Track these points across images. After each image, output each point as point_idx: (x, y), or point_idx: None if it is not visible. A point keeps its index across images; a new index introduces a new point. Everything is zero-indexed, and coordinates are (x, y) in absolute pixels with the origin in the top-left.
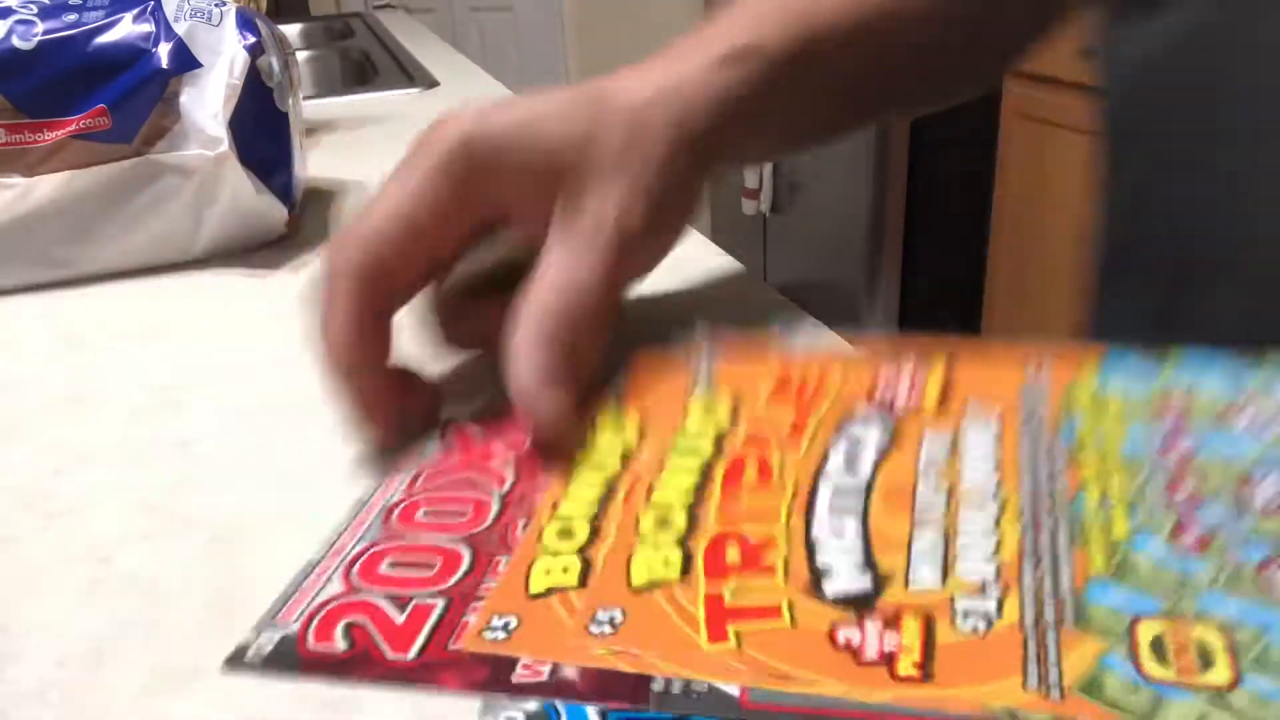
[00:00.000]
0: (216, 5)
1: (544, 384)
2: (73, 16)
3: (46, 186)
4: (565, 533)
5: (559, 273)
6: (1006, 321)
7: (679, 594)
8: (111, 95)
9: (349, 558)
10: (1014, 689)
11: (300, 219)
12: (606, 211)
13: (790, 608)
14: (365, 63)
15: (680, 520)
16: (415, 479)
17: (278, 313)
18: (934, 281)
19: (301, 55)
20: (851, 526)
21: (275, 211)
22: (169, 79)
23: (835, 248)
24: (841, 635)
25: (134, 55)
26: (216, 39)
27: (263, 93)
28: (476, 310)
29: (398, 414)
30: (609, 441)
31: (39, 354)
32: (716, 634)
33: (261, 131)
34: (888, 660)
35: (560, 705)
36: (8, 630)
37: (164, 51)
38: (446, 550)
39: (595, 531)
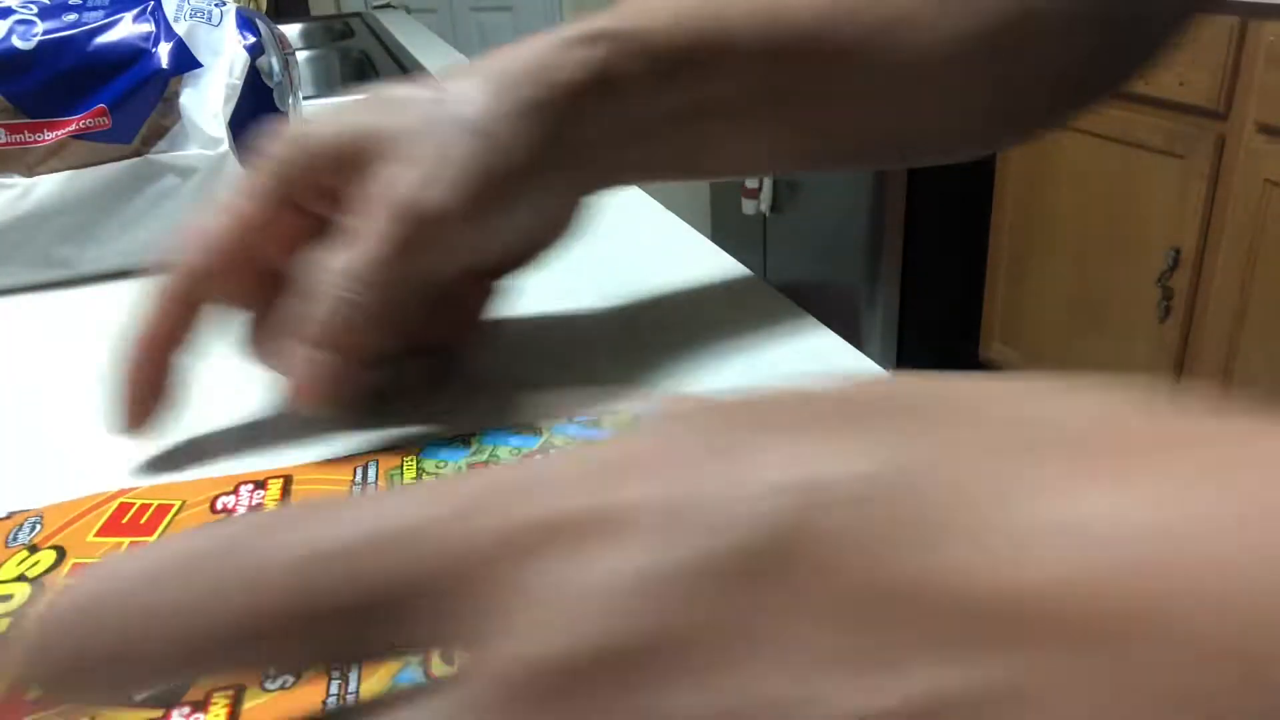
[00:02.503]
0: (216, 5)
1: (307, 341)
2: (73, 16)
3: (46, 186)
4: None
5: (336, 249)
6: (1006, 320)
7: None
8: (111, 95)
9: None
10: None
11: None
12: (393, 190)
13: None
14: (365, 63)
15: None
16: None
17: None
18: (934, 281)
19: (301, 55)
20: None
21: None
22: (169, 79)
23: (835, 248)
24: None
25: (134, 55)
26: (216, 39)
27: (263, 93)
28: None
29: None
30: None
31: (38, 354)
32: None
33: (261, 131)
34: None
35: None
36: None
37: (164, 51)
38: None
39: None
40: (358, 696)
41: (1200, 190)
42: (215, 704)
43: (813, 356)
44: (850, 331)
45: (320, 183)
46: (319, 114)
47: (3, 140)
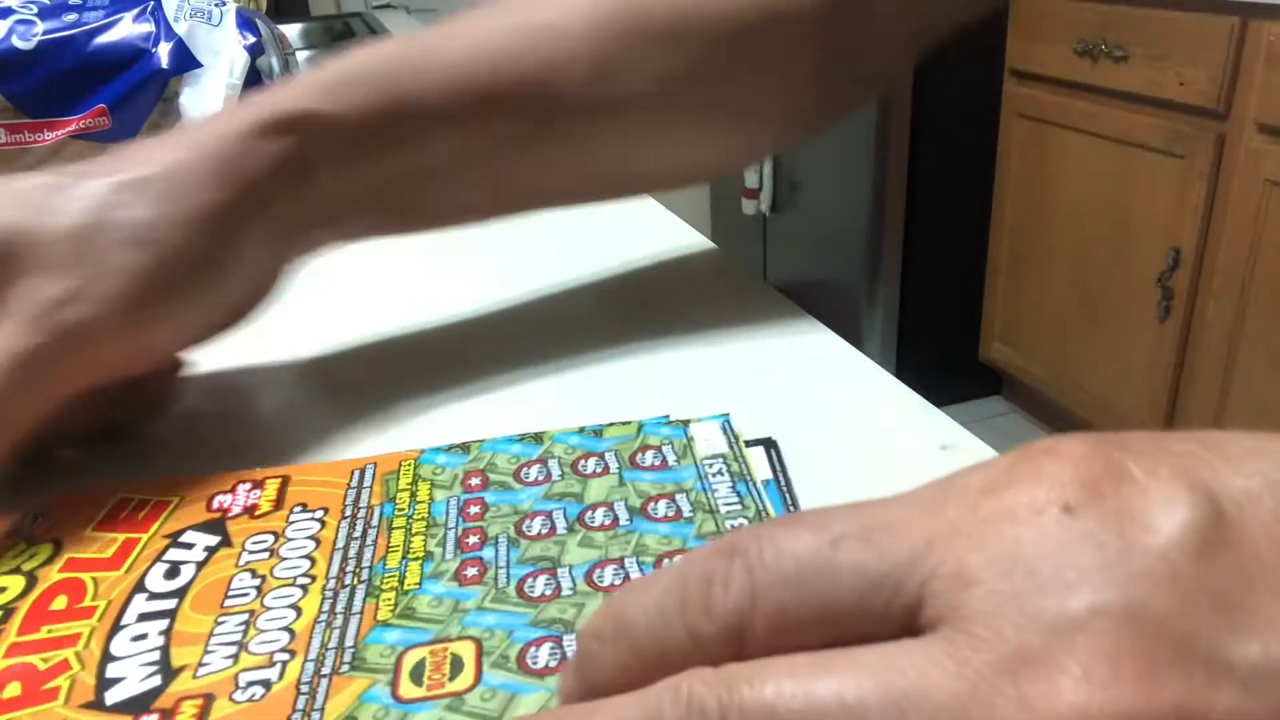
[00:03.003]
0: (216, 5)
1: None
2: (73, 16)
3: None
4: None
5: None
6: (1006, 320)
7: None
8: (111, 95)
9: None
10: None
11: None
12: (33, 303)
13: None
14: None
15: None
16: None
17: (274, 313)
18: (934, 281)
19: (301, 55)
20: (155, 632)
21: None
22: (169, 79)
23: (835, 248)
24: None
25: (134, 55)
26: (216, 39)
27: None
28: None
29: None
30: None
31: None
32: None
33: None
34: None
35: None
36: None
37: (164, 51)
38: None
39: None
40: (323, 714)
41: (1200, 190)
42: (183, 712)
43: (813, 356)
44: (850, 331)
45: None
46: None
47: (3, 140)
